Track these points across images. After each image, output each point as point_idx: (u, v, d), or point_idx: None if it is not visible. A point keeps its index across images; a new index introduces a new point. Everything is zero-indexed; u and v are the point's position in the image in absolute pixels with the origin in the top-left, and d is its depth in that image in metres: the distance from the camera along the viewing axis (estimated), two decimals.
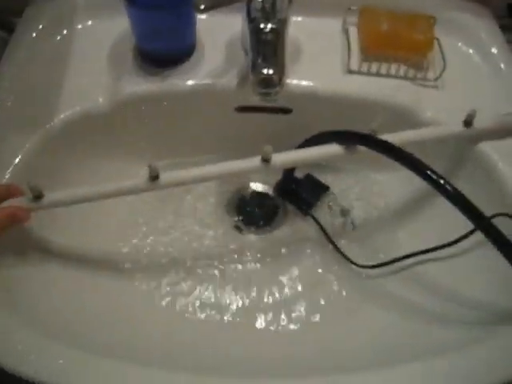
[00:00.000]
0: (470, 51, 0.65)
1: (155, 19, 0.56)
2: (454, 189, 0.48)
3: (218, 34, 0.65)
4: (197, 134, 0.66)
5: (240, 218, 0.67)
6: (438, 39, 0.63)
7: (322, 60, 0.63)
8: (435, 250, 0.60)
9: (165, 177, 0.52)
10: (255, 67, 0.52)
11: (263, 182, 0.70)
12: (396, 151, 0.51)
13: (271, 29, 0.55)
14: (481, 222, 0.48)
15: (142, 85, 0.61)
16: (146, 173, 0.51)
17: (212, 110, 0.64)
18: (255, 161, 0.54)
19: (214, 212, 0.67)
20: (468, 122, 0.56)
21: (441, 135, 0.56)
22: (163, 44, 0.60)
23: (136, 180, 0.52)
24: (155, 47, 0.60)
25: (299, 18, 0.66)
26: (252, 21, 0.56)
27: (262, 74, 0.51)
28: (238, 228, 0.66)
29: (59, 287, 0.55)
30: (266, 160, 0.54)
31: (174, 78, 0.61)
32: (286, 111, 0.64)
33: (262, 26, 0.55)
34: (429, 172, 0.49)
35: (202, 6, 0.50)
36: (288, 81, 0.61)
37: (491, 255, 0.56)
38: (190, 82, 0.61)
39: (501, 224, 0.49)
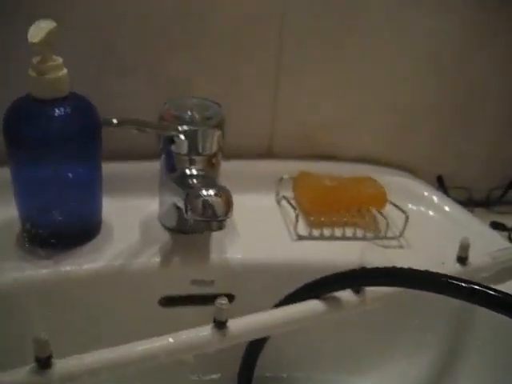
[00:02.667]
0: (421, 208, 0.58)
1: (49, 170, 0.43)
2: None
3: (126, 215, 0.51)
4: (111, 332, 0.46)
5: None
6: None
7: (264, 233, 0.52)
8: None
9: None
10: (189, 195, 0.39)
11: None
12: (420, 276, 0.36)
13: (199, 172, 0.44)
14: None
15: (28, 270, 0.43)
16: None
17: (128, 299, 0.46)
18: (205, 330, 0.36)
19: None
20: (462, 258, 0.44)
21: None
22: (61, 214, 0.45)
23: None
24: (48, 221, 0.45)
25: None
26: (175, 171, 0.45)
27: (201, 196, 0.38)
28: None
29: None
30: (220, 324, 0.36)
31: (72, 261, 0.45)
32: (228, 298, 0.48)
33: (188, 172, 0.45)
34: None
35: (115, 120, 0.39)
36: (226, 261, 0.48)
37: None
38: (93, 265, 0.45)
39: None
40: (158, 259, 0.47)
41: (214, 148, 0.46)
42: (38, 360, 0.31)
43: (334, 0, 0.55)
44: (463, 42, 0.59)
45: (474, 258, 0.45)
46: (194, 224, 0.38)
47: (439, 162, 0.66)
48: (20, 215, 0.46)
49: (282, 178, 0.57)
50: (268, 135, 0.60)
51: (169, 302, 0.48)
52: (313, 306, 0.39)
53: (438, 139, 0.64)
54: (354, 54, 0.58)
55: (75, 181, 0.45)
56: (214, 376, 0.52)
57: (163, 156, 0.46)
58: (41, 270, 0.44)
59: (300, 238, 0.51)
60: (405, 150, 0.64)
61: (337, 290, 0.39)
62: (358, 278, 0.39)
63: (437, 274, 0.36)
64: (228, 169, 0.51)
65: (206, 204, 0.38)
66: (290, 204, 0.54)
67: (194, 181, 0.42)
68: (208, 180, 0.42)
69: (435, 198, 0.59)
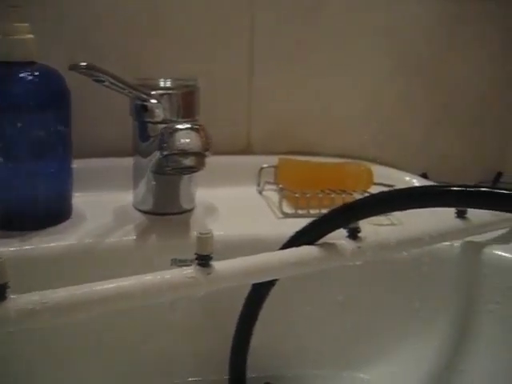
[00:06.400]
0: None
1: (14, 138, 0.40)
2: None
3: (99, 205, 0.48)
4: None
5: None
6: None
7: (248, 213, 0.50)
8: None
9: None
10: (164, 130, 0.36)
11: None
12: None
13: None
14: None
15: None
16: None
17: None
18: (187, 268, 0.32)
19: None
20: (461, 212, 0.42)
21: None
22: (26, 190, 0.42)
23: None
24: (16, 197, 0.42)
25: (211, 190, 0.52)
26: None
27: (177, 129, 0.35)
28: None
29: None
30: (203, 259, 0.32)
31: (39, 239, 0.41)
32: None
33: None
34: None
35: (83, 63, 0.36)
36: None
37: None
38: (61, 243, 0.41)
39: None
40: (133, 237, 0.43)
41: (191, 115, 0.44)
42: None
43: None
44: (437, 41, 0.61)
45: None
46: (172, 164, 0.35)
47: (423, 160, 0.65)
48: None
49: (262, 168, 0.55)
50: (245, 133, 0.59)
51: None
52: (307, 250, 0.36)
53: (420, 137, 0.64)
54: (328, 49, 0.59)
55: (42, 153, 0.42)
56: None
57: (136, 126, 0.44)
58: (5, 249, 0.40)
59: (286, 215, 0.48)
60: (386, 147, 0.63)
61: (331, 229, 0.36)
62: (349, 211, 0.36)
63: (435, 186, 0.33)
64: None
65: (183, 136, 0.35)
66: (274, 184, 0.52)
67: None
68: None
69: (416, 182, 0.57)
